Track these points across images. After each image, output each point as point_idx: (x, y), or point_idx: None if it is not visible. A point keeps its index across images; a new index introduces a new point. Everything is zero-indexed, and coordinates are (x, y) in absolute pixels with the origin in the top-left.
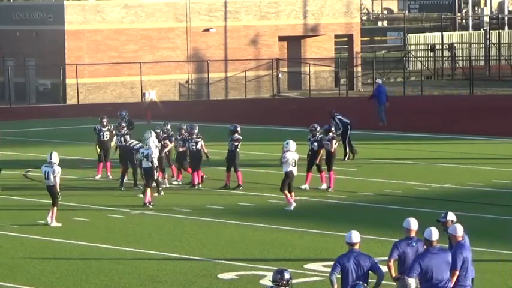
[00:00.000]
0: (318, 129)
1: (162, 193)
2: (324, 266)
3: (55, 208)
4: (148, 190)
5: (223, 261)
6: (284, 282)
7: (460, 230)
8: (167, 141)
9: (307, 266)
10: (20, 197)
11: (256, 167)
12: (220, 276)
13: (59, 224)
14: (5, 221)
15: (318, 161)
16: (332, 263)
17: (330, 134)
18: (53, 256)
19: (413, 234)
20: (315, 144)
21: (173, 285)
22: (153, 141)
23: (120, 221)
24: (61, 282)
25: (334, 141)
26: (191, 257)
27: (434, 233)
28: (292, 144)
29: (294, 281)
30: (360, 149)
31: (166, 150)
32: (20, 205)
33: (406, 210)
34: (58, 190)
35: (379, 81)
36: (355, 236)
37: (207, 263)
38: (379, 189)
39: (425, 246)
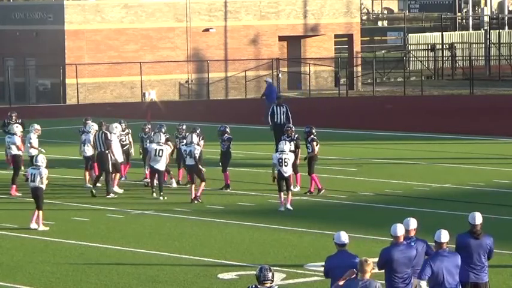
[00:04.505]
0: (293, 129)
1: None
2: (324, 266)
3: (40, 212)
4: (193, 186)
5: (223, 261)
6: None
7: (400, 230)
8: (169, 143)
9: (307, 266)
10: (20, 198)
11: (256, 167)
12: (220, 276)
13: (47, 228)
14: (5, 221)
15: (298, 161)
16: None
17: (311, 136)
18: (53, 256)
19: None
20: (292, 143)
21: (173, 285)
22: (196, 139)
23: (120, 221)
24: (61, 282)
25: (315, 143)
26: (191, 257)
27: (444, 235)
28: (281, 145)
29: (294, 281)
30: (360, 149)
31: (169, 151)
32: (20, 205)
33: (406, 210)
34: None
35: (270, 80)
36: (345, 237)
37: (207, 263)
38: (379, 189)
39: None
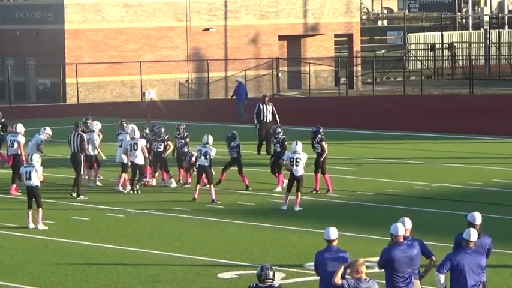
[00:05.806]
0: (279, 130)
1: (139, 192)
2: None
3: (40, 210)
4: (198, 186)
5: (223, 261)
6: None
7: (401, 230)
8: (170, 142)
9: (307, 265)
10: (20, 197)
11: (257, 167)
12: (220, 276)
13: (46, 227)
14: (5, 221)
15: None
16: None
17: (319, 136)
18: (53, 256)
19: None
20: (278, 145)
21: (173, 285)
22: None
23: (120, 221)
24: (61, 282)
25: (324, 143)
26: (191, 257)
27: (473, 234)
28: (293, 146)
29: (294, 280)
30: (359, 149)
31: (170, 151)
32: (20, 205)
33: (406, 210)
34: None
35: (240, 79)
36: (333, 233)
37: (207, 262)
38: (379, 188)
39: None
